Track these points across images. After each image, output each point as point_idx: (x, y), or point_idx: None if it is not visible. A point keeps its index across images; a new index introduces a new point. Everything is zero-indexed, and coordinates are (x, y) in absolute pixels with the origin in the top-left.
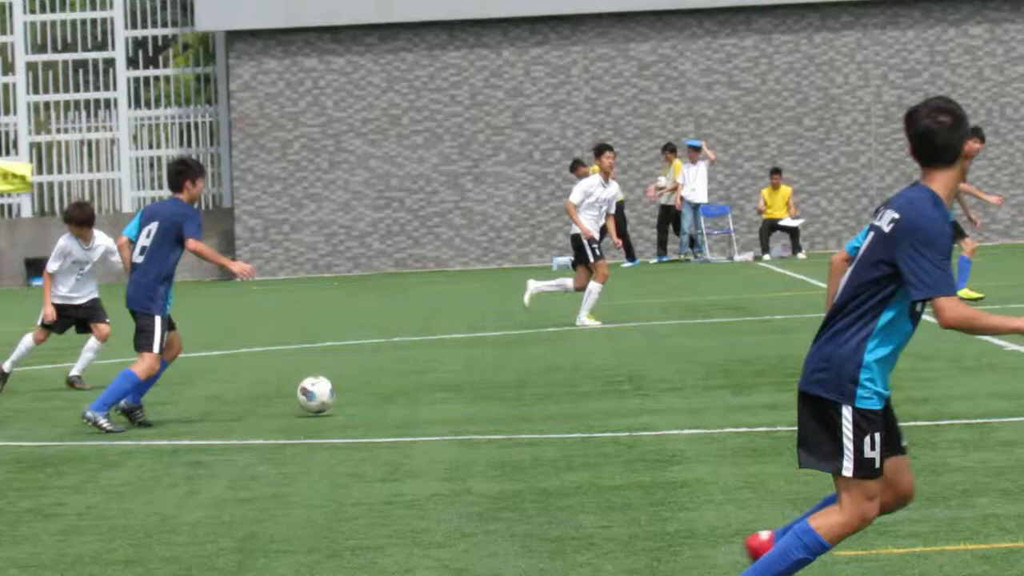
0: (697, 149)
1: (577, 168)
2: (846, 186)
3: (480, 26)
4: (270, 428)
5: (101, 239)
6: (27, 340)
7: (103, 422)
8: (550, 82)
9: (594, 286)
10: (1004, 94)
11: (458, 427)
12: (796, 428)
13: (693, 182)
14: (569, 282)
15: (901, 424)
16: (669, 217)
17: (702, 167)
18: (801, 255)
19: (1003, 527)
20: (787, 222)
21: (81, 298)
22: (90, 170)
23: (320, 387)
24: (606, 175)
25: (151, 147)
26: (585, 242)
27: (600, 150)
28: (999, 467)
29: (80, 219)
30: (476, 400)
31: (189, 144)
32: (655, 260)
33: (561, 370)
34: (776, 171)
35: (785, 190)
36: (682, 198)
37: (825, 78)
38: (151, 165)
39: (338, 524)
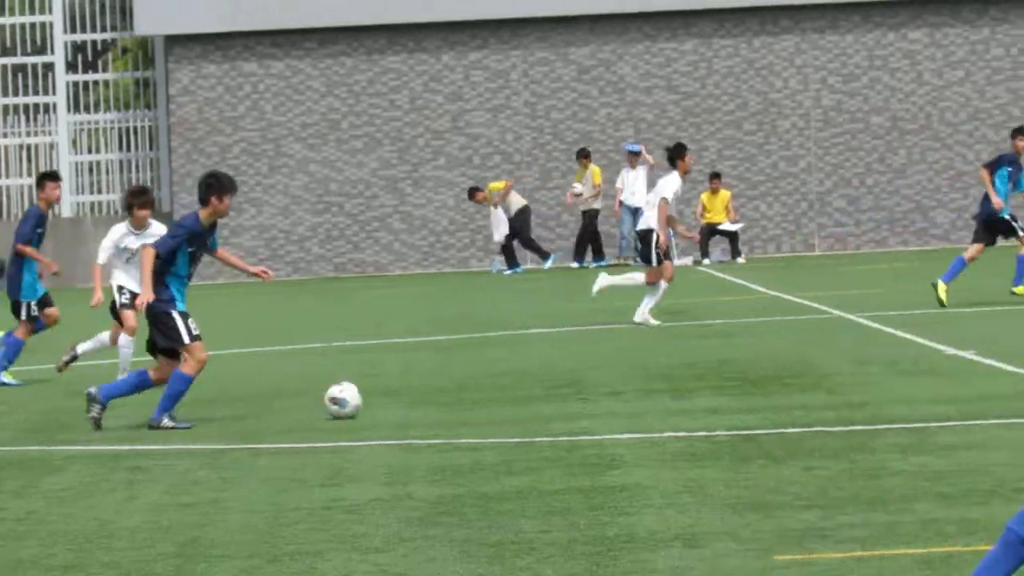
0: (636, 154)
1: (475, 194)
2: (785, 190)
3: (419, 30)
4: (210, 433)
5: (156, 228)
6: (103, 337)
7: (168, 423)
8: (489, 87)
9: (662, 284)
10: (943, 98)
11: (398, 431)
12: (740, 432)
13: (632, 186)
14: (640, 276)
15: (839, 429)
16: (592, 222)
17: (641, 172)
18: (740, 259)
19: (942, 532)
20: (726, 226)
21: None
22: (29, 175)
23: (349, 392)
24: (684, 174)
25: (90, 152)
26: (653, 239)
27: (685, 151)
28: (938, 471)
29: (135, 202)
30: (416, 404)
31: (128, 149)
32: (594, 264)
33: (501, 374)
34: (715, 175)
35: (724, 194)
36: (621, 202)
37: (764, 82)
38: (90, 170)
39: (278, 529)
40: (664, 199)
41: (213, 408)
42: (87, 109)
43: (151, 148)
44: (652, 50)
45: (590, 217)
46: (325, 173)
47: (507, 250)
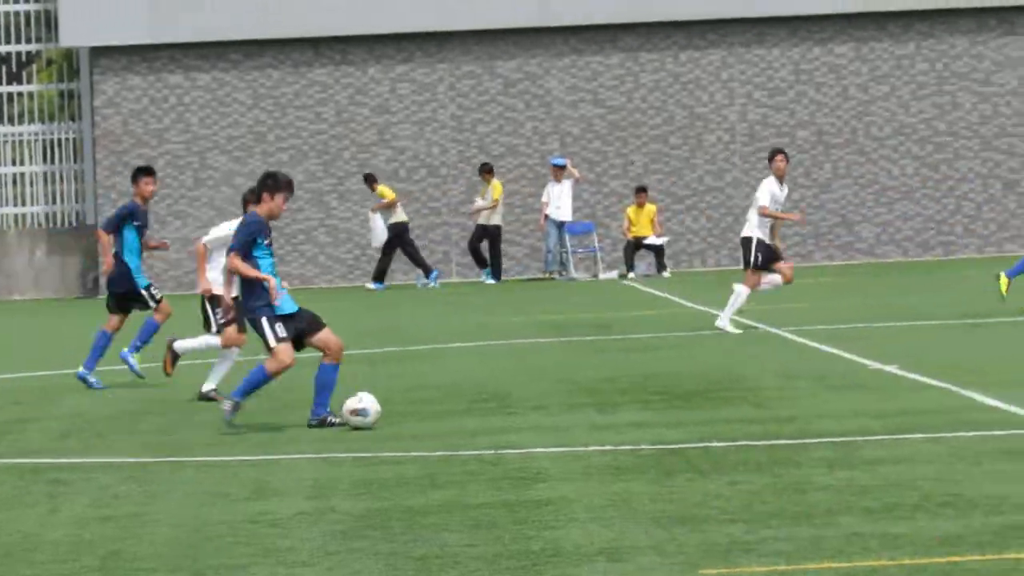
0: (562, 167)
1: (372, 184)
2: (711, 204)
3: (345, 43)
4: (133, 446)
5: None
6: (224, 352)
7: (227, 407)
8: (416, 99)
9: (777, 277)
10: (869, 113)
11: (322, 445)
12: (666, 447)
13: (558, 200)
14: (742, 290)
15: (765, 443)
16: (486, 236)
17: (567, 185)
18: (666, 273)
19: (866, 546)
20: (652, 240)
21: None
22: None
23: (367, 402)
24: (780, 178)
25: (14, 164)
26: (754, 245)
27: (774, 153)
28: (863, 486)
29: (251, 199)
30: None
31: (53, 161)
32: (488, 280)
33: (426, 388)
34: (641, 189)
35: (650, 208)
36: (547, 216)
37: (691, 96)
38: (14, 181)
39: (202, 543)
40: (762, 206)
41: (135, 421)
42: (11, 121)
43: (75, 160)
44: (578, 64)
45: (490, 232)
46: (251, 186)
47: (419, 261)
